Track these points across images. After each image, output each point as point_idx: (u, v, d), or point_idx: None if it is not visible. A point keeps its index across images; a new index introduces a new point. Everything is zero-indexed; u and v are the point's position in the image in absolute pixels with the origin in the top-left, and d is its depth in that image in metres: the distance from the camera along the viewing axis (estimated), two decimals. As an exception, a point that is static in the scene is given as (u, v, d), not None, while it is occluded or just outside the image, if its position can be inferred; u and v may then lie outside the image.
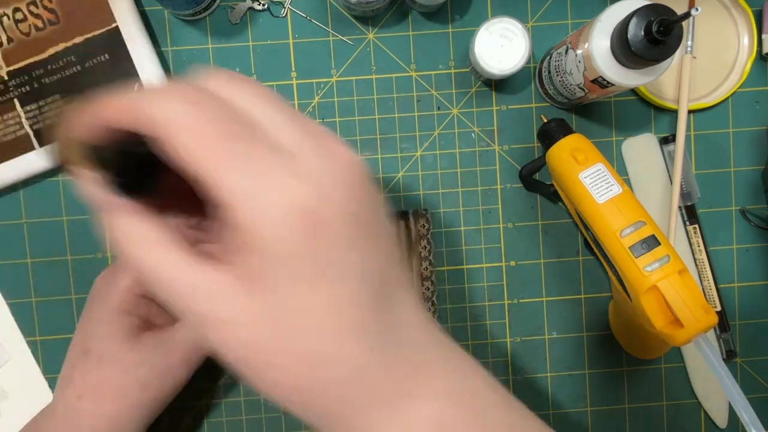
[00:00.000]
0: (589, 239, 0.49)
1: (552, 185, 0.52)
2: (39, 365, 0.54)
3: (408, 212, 0.54)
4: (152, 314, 0.43)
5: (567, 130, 0.48)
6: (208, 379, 0.54)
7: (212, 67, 0.31)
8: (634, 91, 0.54)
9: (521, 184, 0.54)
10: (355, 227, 0.25)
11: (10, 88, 0.51)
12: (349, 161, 0.25)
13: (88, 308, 0.43)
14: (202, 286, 0.24)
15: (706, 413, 0.55)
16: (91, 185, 0.26)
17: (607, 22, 0.42)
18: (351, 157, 0.25)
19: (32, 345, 0.54)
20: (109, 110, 0.25)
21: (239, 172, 0.23)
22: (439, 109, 0.54)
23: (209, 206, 0.29)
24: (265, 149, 0.24)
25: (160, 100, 0.24)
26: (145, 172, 0.26)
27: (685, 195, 0.53)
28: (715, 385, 0.54)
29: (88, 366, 0.42)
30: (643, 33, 0.39)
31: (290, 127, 0.25)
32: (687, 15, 0.37)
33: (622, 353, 0.55)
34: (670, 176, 0.54)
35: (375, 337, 0.25)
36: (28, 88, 0.51)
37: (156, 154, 0.24)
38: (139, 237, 0.25)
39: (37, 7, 0.50)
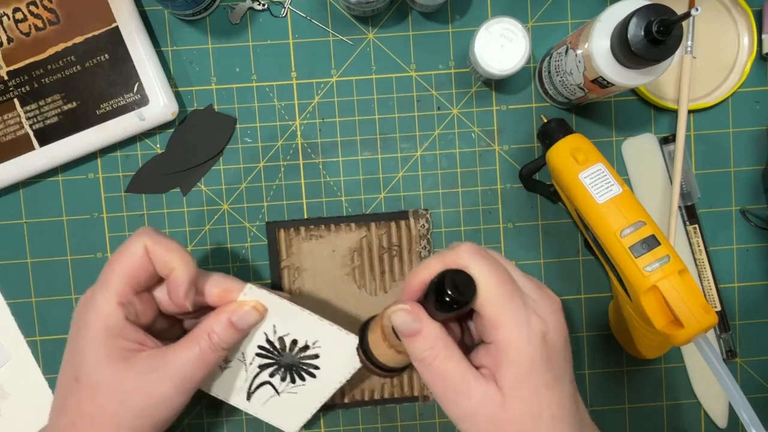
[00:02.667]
0: (589, 239, 0.49)
1: (552, 185, 0.52)
2: (39, 365, 0.54)
3: (408, 212, 0.54)
4: (141, 338, 0.41)
5: (567, 130, 0.48)
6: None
7: (470, 245, 0.39)
8: (634, 91, 0.54)
9: (521, 184, 0.54)
10: (565, 347, 0.38)
11: (10, 88, 0.51)
12: (560, 306, 0.39)
13: (73, 335, 0.41)
14: (476, 391, 0.36)
15: (706, 413, 0.55)
16: (406, 315, 0.37)
17: (607, 22, 0.42)
18: (560, 302, 0.39)
19: (32, 345, 0.54)
20: (425, 272, 0.38)
21: (513, 314, 0.36)
22: (439, 109, 0.54)
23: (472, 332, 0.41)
24: (523, 299, 0.37)
25: (466, 252, 0.37)
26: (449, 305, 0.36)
27: (685, 195, 0.53)
28: (715, 385, 0.54)
29: (81, 395, 0.40)
30: (643, 33, 0.39)
31: (526, 283, 0.39)
32: (687, 15, 0.37)
33: (622, 353, 0.55)
34: (670, 176, 0.54)
35: (578, 421, 0.38)
36: (28, 88, 0.51)
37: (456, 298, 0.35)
38: (445, 351, 0.37)
39: (37, 7, 0.50)
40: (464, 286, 0.36)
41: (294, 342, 0.45)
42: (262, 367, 0.46)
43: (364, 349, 0.43)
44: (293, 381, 0.47)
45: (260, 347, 0.45)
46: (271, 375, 0.46)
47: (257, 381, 0.47)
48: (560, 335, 0.38)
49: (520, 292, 0.37)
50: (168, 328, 0.45)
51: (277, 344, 0.45)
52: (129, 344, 0.40)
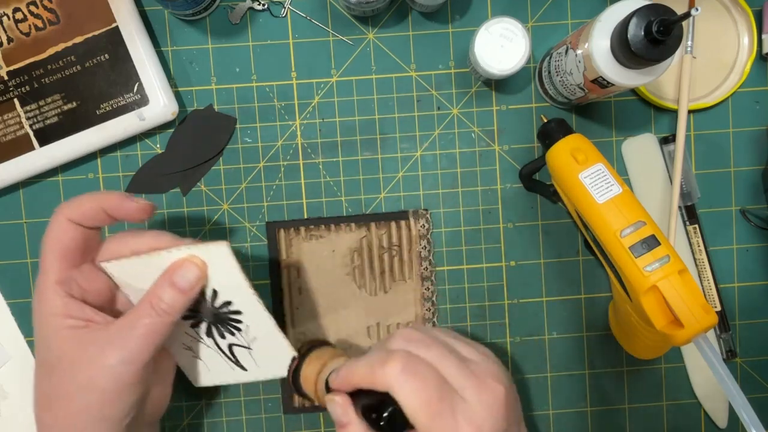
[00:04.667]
0: (589, 239, 0.49)
1: (552, 185, 0.52)
2: (39, 365, 0.54)
3: (408, 212, 0.54)
4: (89, 314, 0.41)
5: (567, 130, 0.48)
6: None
7: (404, 330, 0.41)
8: (634, 91, 0.54)
9: (521, 184, 0.54)
10: None
11: (10, 88, 0.51)
12: (501, 396, 0.39)
13: (33, 319, 0.42)
14: None
15: (706, 413, 0.55)
16: (337, 407, 0.41)
17: (607, 22, 0.42)
18: (502, 392, 0.39)
19: (32, 345, 0.54)
20: (357, 379, 0.40)
21: (434, 422, 0.37)
22: (439, 109, 0.54)
23: None
24: (452, 410, 0.37)
25: (391, 374, 0.38)
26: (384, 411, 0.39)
27: (685, 195, 0.53)
28: (715, 385, 0.54)
29: (42, 378, 0.41)
30: (643, 33, 0.39)
31: (463, 372, 0.39)
32: (687, 15, 0.37)
33: (622, 353, 0.55)
34: (670, 176, 0.54)
35: None
36: (28, 88, 0.51)
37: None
38: None
39: (37, 7, 0.50)
40: (398, 420, 0.38)
41: (214, 293, 0.43)
42: (206, 333, 0.45)
43: (295, 372, 0.46)
44: (231, 333, 0.46)
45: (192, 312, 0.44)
46: (217, 334, 0.45)
47: (224, 348, 0.46)
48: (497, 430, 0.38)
49: (450, 402, 0.38)
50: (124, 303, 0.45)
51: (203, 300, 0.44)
52: (74, 321, 0.40)
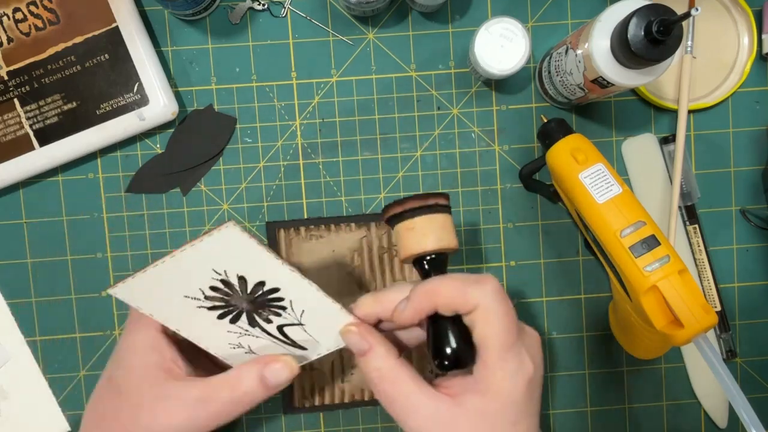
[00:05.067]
0: (589, 239, 0.49)
1: (552, 185, 0.52)
2: (39, 365, 0.54)
3: (408, 212, 0.53)
4: (174, 357, 0.41)
5: (567, 130, 0.48)
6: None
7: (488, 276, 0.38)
8: (634, 91, 0.54)
9: (521, 184, 0.54)
10: (540, 385, 0.39)
11: (10, 88, 0.51)
12: (540, 342, 0.39)
13: (123, 333, 0.42)
14: (425, 409, 0.36)
15: (706, 413, 0.55)
16: (354, 336, 0.39)
17: (607, 22, 0.42)
18: (539, 339, 0.39)
19: (32, 345, 0.54)
20: (444, 293, 0.37)
21: (509, 363, 0.36)
22: (439, 109, 0.54)
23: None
24: (521, 342, 0.37)
25: (489, 292, 0.36)
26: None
27: (685, 195, 0.53)
28: (715, 385, 0.54)
29: (105, 394, 0.41)
30: (643, 33, 0.39)
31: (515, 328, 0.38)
32: (687, 15, 0.37)
33: (622, 353, 0.55)
34: (670, 176, 0.54)
35: None
36: (28, 88, 0.51)
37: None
38: (391, 373, 0.38)
39: (37, 7, 0.50)
40: (465, 352, 0.37)
41: (242, 280, 0.41)
42: (250, 323, 0.42)
43: (395, 218, 0.40)
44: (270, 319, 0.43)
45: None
46: (262, 320, 0.42)
47: (274, 333, 0.43)
48: (541, 374, 0.38)
49: (521, 335, 0.37)
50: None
51: (227, 287, 0.41)
52: (161, 361, 0.41)
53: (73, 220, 0.54)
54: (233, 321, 0.42)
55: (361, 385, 0.54)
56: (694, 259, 0.54)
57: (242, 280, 0.40)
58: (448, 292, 0.37)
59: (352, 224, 0.53)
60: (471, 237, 0.54)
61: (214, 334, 0.42)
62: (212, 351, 0.43)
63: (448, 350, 0.37)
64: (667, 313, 0.42)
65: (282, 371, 0.41)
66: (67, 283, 0.54)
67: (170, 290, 0.40)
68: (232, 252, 0.39)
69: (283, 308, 0.41)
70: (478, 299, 0.36)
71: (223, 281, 0.40)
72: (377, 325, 0.40)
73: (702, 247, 0.54)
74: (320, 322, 0.42)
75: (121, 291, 0.40)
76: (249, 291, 0.41)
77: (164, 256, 0.38)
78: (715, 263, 0.54)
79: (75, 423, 0.54)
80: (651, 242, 0.42)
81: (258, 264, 0.39)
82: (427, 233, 0.39)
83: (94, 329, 0.54)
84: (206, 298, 0.41)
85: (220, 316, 0.42)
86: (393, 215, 0.40)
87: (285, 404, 0.54)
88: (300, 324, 0.42)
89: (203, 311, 0.41)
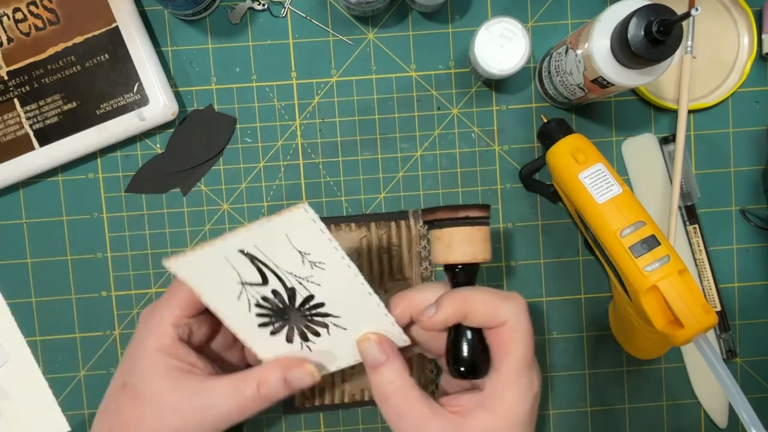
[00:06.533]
0: (589, 239, 0.49)
1: (552, 185, 0.52)
2: (39, 365, 0.54)
3: (408, 212, 0.54)
4: (193, 360, 0.41)
5: (567, 130, 0.48)
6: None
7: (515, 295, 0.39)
8: (634, 91, 0.54)
9: (521, 184, 0.54)
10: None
11: (10, 88, 0.51)
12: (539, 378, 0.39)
13: (132, 341, 0.42)
14: (433, 427, 0.37)
15: (706, 413, 0.55)
16: (374, 346, 0.39)
17: (607, 22, 0.42)
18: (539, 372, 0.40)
19: (32, 345, 0.54)
20: (477, 302, 0.38)
21: (523, 380, 0.37)
22: (439, 109, 0.54)
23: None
24: (534, 360, 0.38)
25: (518, 310, 0.38)
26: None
27: (685, 195, 0.53)
28: (715, 385, 0.54)
29: (123, 401, 0.41)
30: (643, 33, 0.39)
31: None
32: (687, 15, 0.37)
33: (622, 353, 0.55)
34: (670, 176, 0.54)
35: None
36: (28, 88, 0.51)
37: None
38: (402, 389, 0.38)
39: (37, 7, 0.50)
40: (483, 363, 0.38)
41: (309, 298, 0.41)
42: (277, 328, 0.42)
43: (433, 223, 0.41)
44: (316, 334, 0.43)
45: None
46: (310, 334, 0.42)
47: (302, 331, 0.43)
48: (539, 394, 0.39)
49: (534, 358, 0.38)
50: (227, 347, 0.46)
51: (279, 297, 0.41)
52: (179, 364, 0.41)
53: (73, 220, 0.54)
54: (274, 333, 0.42)
55: (361, 385, 0.54)
56: (694, 259, 0.54)
57: (292, 291, 0.40)
58: (480, 306, 0.37)
59: (352, 224, 0.53)
60: (471, 237, 0.54)
61: (249, 325, 0.42)
62: (244, 339, 0.43)
63: (468, 359, 0.38)
64: (667, 313, 0.42)
65: (305, 378, 0.41)
66: (67, 283, 0.54)
67: (225, 273, 0.39)
68: (298, 233, 0.38)
69: (325, 326, 0.42)
70: (508, 316, 0.37)
71: (273, 291, 0.40)
72: (408, 327, 0.40)
73: (702, 247, 0.54)
74: (360, 323, 0.41)
75: (175, 264, 0.39)
76: (298, 305, 0.41)
77: (221, 234, 0.38)
78: (715, 263, 0.54)
79: (75, 423, 0.54)
80: (651, 242, 0.42)
81: (320, 249, 0.39)
82: (453, 245, 0.40)
83: (94, 329, 0.54)
84: (257, 305, 0.41)
85: (262, 325, 0.42)
86: (427, 220, 0.41)
87: (285, 404, 0.54)
88: (341, 327, 0.42)
89: (248, 306, 0.42)
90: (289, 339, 0.43)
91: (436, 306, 0.38)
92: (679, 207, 0.54)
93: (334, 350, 0.43)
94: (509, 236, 0.55)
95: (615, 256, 0.43)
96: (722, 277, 0.55)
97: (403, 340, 0.41)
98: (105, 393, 0.42)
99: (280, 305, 0.41)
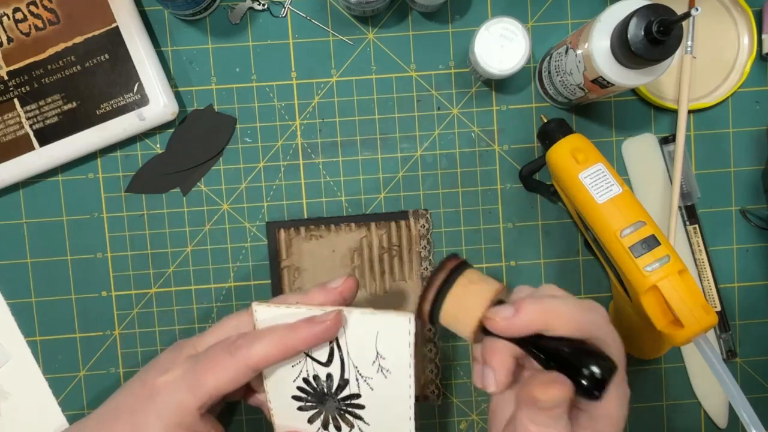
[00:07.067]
0: (589, 239, 0.49)
1: (552, 185, 0.52)
2: (39, 365, 0.54)
3: (408, 212, 0.54)
4: (208, 430, 0.41)
5: (567, 130, 0.48)
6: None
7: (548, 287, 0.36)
8: (634, 91, 0.54)
9: (521, 184, 0.54)
10: None
11: (10, 88, 0.51)
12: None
13: (144, 399, 0.40)
14: None
15: (706, 413, 0.55)
16: (562, 395, 0.33)
17: (607, 22, 0.42)
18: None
19: (32, 345, 0.54)
20: (560, 316, 0.34)
21: (621, 388, 0.35)
22: (439, 109, 0.54)
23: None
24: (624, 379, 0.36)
25: (605, 320, 0.36)
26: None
27: (685, 195, 0.53)
28: (715, 385, 0.54)
29: None
30: (643, 33, 0.39)
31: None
32: (687, 15, 0.37)
33: (622, 353, 0.55)
34: (670, 176, 0.54)
35: None
36: (28, 88, 0.51)
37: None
38: None
39: (37, 7, 0.50)
40: (606, 378, 0.33)
41: (341, 384, 0.40)
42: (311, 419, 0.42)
43: (437, 300, 0.36)
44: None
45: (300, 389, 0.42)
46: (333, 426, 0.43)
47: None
48: None
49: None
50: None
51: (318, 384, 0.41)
52: None
53: (73, 220, 0.54)
54: (302, 409, 0.43)
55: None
56: (694, 259, 0.54)
57: (345, 383, 0.41)
58: (562, 318, 0.34)
59: (352, 224, 0.53)
60: (471, 237, 0.54)
61: (285, 392, 0.42)
62: (270, 400, 0.43)
63: (590, 372, 0.33)
64: (667, 313, 0.42)
65: None
66: (67, 283, 0.54)
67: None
68: (389, 336, 0.39)
69: (351, 425, 0.42)
70: (598, 327, 0.35)
71: (328, 375, 0.41)
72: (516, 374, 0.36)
73: (702, 247, 0.54)
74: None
75: (263, 310, 0.40)
76: (340, 397, 0.41)
77: (314, 307, 0.39)
78: (715, 263, 0.54)
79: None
80: (651, 242, 0.42)
81: (397, 360, 0.39)
82: (454, 326, 0.36)
83: (94, 329, 0.54)
84: (305, 380, 0.41)
85: (295, 398, 0.42)
86: (429, 310, 0.37)
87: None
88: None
89: (296, 377, 0.42)
90: (311, 421, 0.43)
91: (514, 308, 0.34)
92: (679, 207, 0.54)
93: None
94: (509, 236, 0.55)
95: (615, 256, 0.43)
96: (722, 277, 0.55)
97: None
98: (100, 415, 0.42)
99: (325, 390, 0.41)
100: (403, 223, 0.53)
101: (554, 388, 0.32)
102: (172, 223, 0.54)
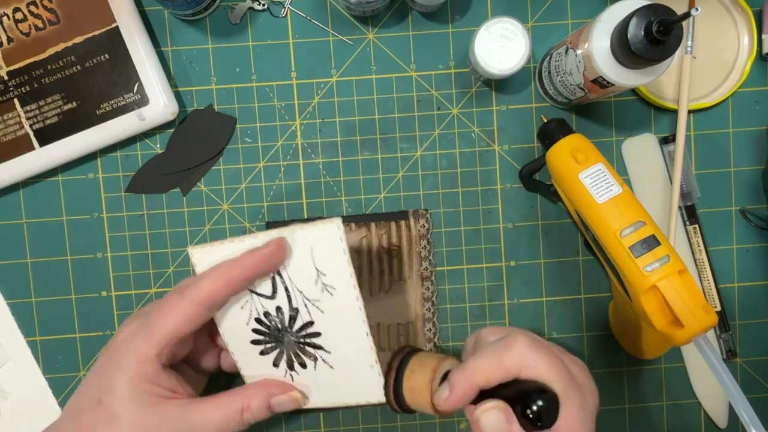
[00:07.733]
0: (589, 239, 0.49)
1: (552, 185, 0.52)
2: (39, 365, 0.54)
3: (408, 212, 0.54)
4: (173, 384, 0.41)
5: (567, 130, 0.48)
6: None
7: (519, 332, 0.39)
8: (634, 91, 0.54)
9: (521, 184, 0.54)
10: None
11: (10, 88, 0.51)
12: (586, 368, 0.41)
13: (107, 359, 0.41)
14: None
15: (706, 413, 0.55)
16: (501, 415, 0.36)
17: (607, 22, 0.42)
18: (584, 364, 0.41)
19: (32, 345, 0.54)
20: (482, 371, 0.37)
21: (574, 402, 0.37)
22: (439, 109, 0.54)
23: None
24: (576, 381, 0.38)
25: (521, 352, 0.37)
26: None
27: (685, 195, 0.53)
28: (715, 385, 0.54)
29: (98, 418, 0.40)
30: (643, 33, 0.39)
31: (570, 371, 0.38)
32: (687, 15, 0.37)
33: (622, 353, 0.55)
34: (670, 176, 0.54)
35: None
36: (28, 88, 0.51)
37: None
38: None
39: (37, 7, 0.50)
40: (551, 407, 0.36)
41: (306, 323, 0.41)
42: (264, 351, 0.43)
43: (396, 386, 0.41)
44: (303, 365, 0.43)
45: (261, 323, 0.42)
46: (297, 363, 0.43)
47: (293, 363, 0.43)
48: (598, 400, 0.40)
49: (572, 374, 0.38)
50: (204, 351, 0.46)
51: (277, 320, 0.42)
52: (160, 390, 0.41)
53: (73, 220, 0.54)
54: (264, 353, 0.43)
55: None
56: (694, 259, 0.54)
57: (295, 312, 0.41)
58: (487, 370, 0.37)
59: (352, 224, 0.53)
60: (471, 237, 0.54)
61: (242, 338, 0.42)
62: (232, 352, 0.44)
63: (536, 410, 0.36)
64: (667, 313, 0.42)
65: (289, 404, 0.42)
66: (67, 283, 0.54)
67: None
68: (323, 249, 0.39)
69: (314, 359, 0.42)
70: (517, 363, 0.37)
71: (277, 308, 0.41)
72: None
73: (702, 247, 0.54)
74: (350, 372, 0.42)
75: (199, 253, 0.41)
76: (295, 329, 0.42)
77: (252, 232, 0.39)
78: (715, 263, 0.54)
79: (75, 423, 0.54)
80: (651, 242, 0.42)
81: (336, 272, 0.40)
82: (422, 410, 0.41)
83: (94, 329, 0.54)
84: (257, 320, 0.42)
85: (255, 342, 0.43)
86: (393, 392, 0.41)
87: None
88: (329, 364, 0.43)
89: (248, 319, 0.42)
90: (276, 364, 0.43)
91: (448, 388, 0.38)
92: (679, 207, 0.54)
93: (314, 386, 0.44)
94: (509, 236, 0.55)
95: (615, 256, 0.43)
96: (722, 277, 0.55)
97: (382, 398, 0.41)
98: (75, 395, 0.42)
99: (279, 326, 0.41)
100: (403, 223, 0.53)
101: (491, 413, 0.36)
102: (172, 223, 0.54)
